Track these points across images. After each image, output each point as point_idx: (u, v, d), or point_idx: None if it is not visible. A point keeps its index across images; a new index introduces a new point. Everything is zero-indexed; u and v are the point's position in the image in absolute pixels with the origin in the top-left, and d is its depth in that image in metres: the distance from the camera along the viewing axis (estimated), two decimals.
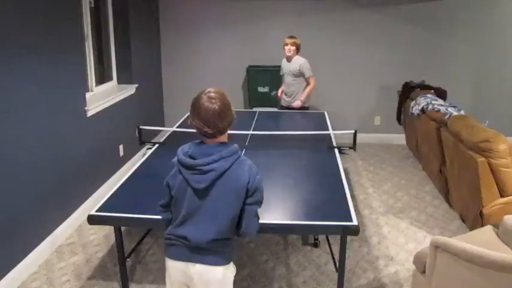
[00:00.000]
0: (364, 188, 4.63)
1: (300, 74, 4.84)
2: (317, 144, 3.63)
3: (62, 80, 3.59)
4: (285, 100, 5.05)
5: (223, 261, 1.89)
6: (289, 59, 4.91)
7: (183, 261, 1.88)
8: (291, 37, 4.82)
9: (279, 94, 5.20)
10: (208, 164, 1.76)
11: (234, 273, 1.98)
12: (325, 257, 3.34)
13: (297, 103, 4.88)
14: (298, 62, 4.80)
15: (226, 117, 1.81)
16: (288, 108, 5.00)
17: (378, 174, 5.04)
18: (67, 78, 3.67)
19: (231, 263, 1.95)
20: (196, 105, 1.79)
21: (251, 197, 1.82)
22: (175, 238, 1.88)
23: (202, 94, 1.80)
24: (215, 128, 1.78)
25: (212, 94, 1.79)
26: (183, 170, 1.81)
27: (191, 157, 1.80)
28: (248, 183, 1.79)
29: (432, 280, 2.34)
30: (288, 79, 4.97)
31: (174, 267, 1.92)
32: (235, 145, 1.85)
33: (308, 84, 4.86)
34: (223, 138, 1.86)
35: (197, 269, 1.87)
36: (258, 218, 1.91)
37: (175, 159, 1.86)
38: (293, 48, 4.78)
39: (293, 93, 4.92)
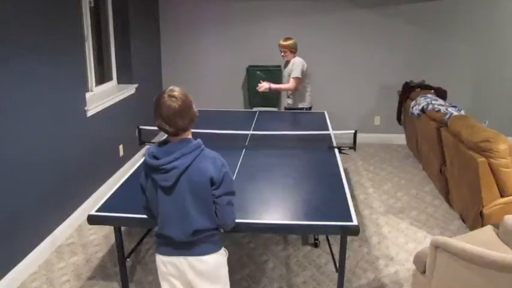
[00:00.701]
0: (364, 188, 4.63)
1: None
2: (317, 144, 3.62)
3: (62, 80, 3.59)
4: (287, 103, 4.98)
5: (212, 249, 1.95)
6: (286, 62, 4.87)
7: (174, 256, 1.94)
8: (285, 39, 4.71)
9: (260, 87, 4.88)
10: (170, 162, 1.81)
11: (227, 256, 2.05)
12: (325, 257, 3.34)
13: (264, 86, 4.72)
14: (293, 62, 4.73)
15: (187, 116, 1.84)
16: (290, 110, 4.93)
17: (377, 174, 5.04)
18: (67, 78, 3.67)
19: (222, 248, 2.01)
20: (157, 104, 1.82)
21: (218, 188, 1.87)
22: (162, 237, 1.94)
23: (164, 93, 1.83)
24: (175, 127, 1.82)
25: (173, 93, 1.82)
26: (149, 171, 1.87)
27: (155, 157, 1.84)
28: (213, 176, 1.83)
29: (432, 280, 2.34)
30: (285, 80, 4.90)
31: (167, 263, 1.97)
32: (198, 140, 1.88)
33: (288, 83, 4.68)
34: (186, 135, 1.89)
35: (188, 262, 1.93)
36: (232, 207, 1.95)
37: (143, 162, 1.93)
38: (284, 50, 4.71)
39: (294, 95, 4.84)
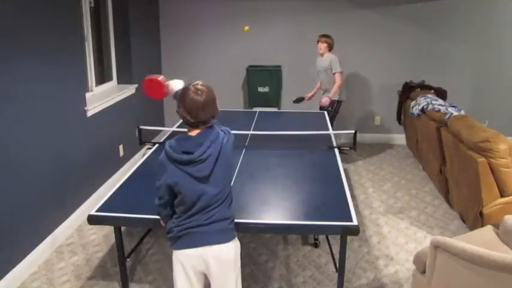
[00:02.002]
0: (364, 188, 4.63)
1: (331, 69, 4.99)
2: (317, 144, 3.62)
3: (62, 80, 3.59)
4: (323, 96, 5.19)
5: (232, 236, 2.06)
6: (321, 56, 5.08)
7: (199, 247, 1.98)
8: (323, 35, 5.02)
9: (306, 97, 5.38)
10: (204, 152, 1.90)
11: (240, 248, 2.12)
12: (325, 257, 3.34)
13: (325, 100, 5.01)
14: (329, 57, 4.99)
15: (210, 110, 1.93)
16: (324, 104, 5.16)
17: (377, 174, 5.04)
18: (67, 78, 3.67)
19: (236, 238, 2.10)
20: (183, 95, 1.92)
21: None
22: (188, 228, 1.98)
23: (190, 85, 1.93)
24: (197, 118, 1.91)
25: (199, 87, 1.92)
26: (180, 167, 1.92)
27: (186, 152, 1.90)
28: (229, 140, 2.02)
29: (432, 280, 2.34)
30: (321, 76, 5.14)
31: (189, 256, 2.01)
32: (214, 125, 2.00)
33: (335, 81, 5.04)
34: (207, 125, 1.98)
35: (214, 250, 1.99)
36: None
37: (164, 158, 1.95)
38: (324, 45, 4.99)
39: (328, 90, 5.08)
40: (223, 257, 2.02)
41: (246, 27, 4.01)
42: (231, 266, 2.05)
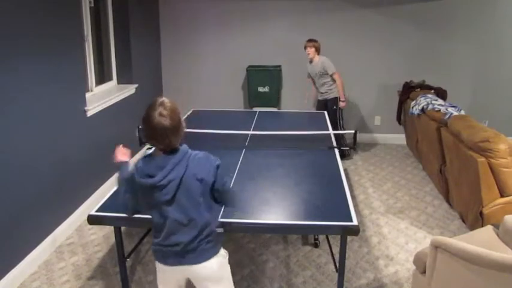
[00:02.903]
0: (364, 188, 4.63)
1: (325, 73, 5.09)
2: (317, 144, 3.62)
3: (62, 80, 3.59)
4: (321, 95, 5.31)
5: (214, 252, 1.95)
6: (311, 61, 5.19)
7: (179, 265, 1.92)
8: (310, 40, 5.13)
9: (305, 100, 5.58)
10: (165, 177, 1.78)
11: (227, 255, 2.05)
12: (325, 257, 3.34)
13: (342, 104, 5.20)
14: (320, 61, 5.10)
15: (178, 133, 1.81)
16: (325, 100, 5.26)
17: (377, 174, 5.04)
18: (67, 78, 3.67)
19: (222, 250, 2.02)
20: (147, 121, 1.77)
21: (217, 181, 1.89)
22: (164, 246, 1.90)
23: (154, 109, 1.76)
24: (166, 144, 1.79)
25: (164, 111, 1.75)
26: (146, 190, 1.82)
27: (149, 175, 1.80)
28: (209, 173, 1.85)
29: (432, 280, 2.34)
30: (317, 81, 5.24)
31: (170, 271, 1.96)
32: (184, 146, 1.86)
33: (334, 81, 5.14)
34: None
35: (194, 270, 1.92)
36: (231, 187, 2.07)
37: (133, 176, 1.85)
38: (312, 50, 5.11)
39: (326, 90, 5.20)
40: (204, 275, 1.95)
41: None
42: (215, 279, 1.98)
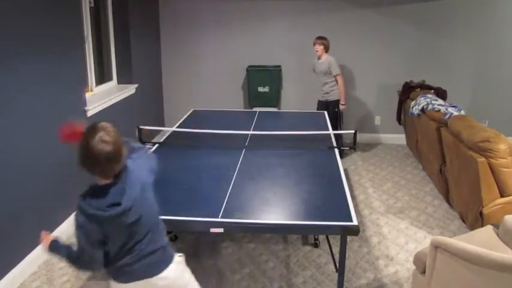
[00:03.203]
0: (364, 188, 4.63)
1: (330, 72, 5.09)
2: (317, 144, 3.62)
3: (62, 80, 3.59)
4: (323, 96, 5.29)
5: (169, 260, 1.91)
6: (319, 58, 5.17)
7: (142, 279, 1.85)
8: (319, 37, 5.10)
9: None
10: (130, 198, 1.71)
11: (182, 255, 2.01)
12: (325, 257, 3.34)
13: (342, 107, 5.20)
14: (327, 60, 5.09)
15: (121, 159, 1.68)
16: (326, 102, 5.25)
17: (377, 174, 5.04)
18: (67, 78, 3.67)
19: (176, 255, 1.98)
20: (85, 148, 1.62)
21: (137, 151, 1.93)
22: (127, 266, 1.82)
23: (93, 135, 1.61)
24: (111, 172, 1.69)
25: (105, 137, 1.61)
26: (110, 222, 1.70)
27: (113, 205, 1.68)
28: (146, 168, 1.86)
29: (432, 280, 2.34)
30: (321, 78, 5.23)
31: (133, 286, 1.88)
32: (125, 160, 1.75)
33: (337, 82, 5.14)
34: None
35: (157, 279, 1.87)
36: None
37: (85, 221, 1.68)
38: (320, 47, 5.09)
39: (328, 90, 5.20)
40: (164, 284, 1.88)
41: None
42: (177, 285, 1.93)
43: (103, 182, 1.71)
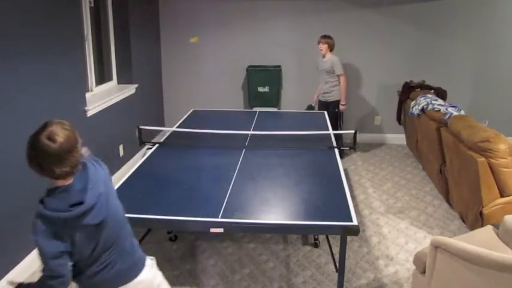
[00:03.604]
0: (364, 188, 4.63)
1: (333, 71, 5.08)
2: (317, 144, 3.63)
3: (62, 80, 3.59)
4: (323, 96, 5.29)
5: (144, 260, 1.89)
6: (323, 57, 5.16)
7: (122, 285, 1.82)
8: (324, 36, 5.09)
9: (314, 102, 5.50)
10: (93, 195, 1.63)
11: (153, 258, 1.98)
12: (325, 257, 3.34)
13: (342, 108, 5.19)
14: (331, 59, 5.07)
15: (68, 161, 1.56)
16: (326, 102, 5.24)
17: (377, 174, 5.04)
18: (67, 78, 3.67)
19: (148, 258, 1.95)
20: (33, 145, 1.52)
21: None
22: (100, 275, 1.75)
23: (40, 135, 1.52)
24: (73, 164, 1.57)
25: (55, 130, 1.53)
26: (75, 223, 1.60)
27: (75, 205, 1.59)
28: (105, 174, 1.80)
29: (432, 280, 2.34)
30: (323, 76, 5.21)
31: None
32: (84, 158, 1.68)
33: (339, 82, 5.13)
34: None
35: (134, 284, 1.83)
36: None
37: (44, 227, 1.61)
38: (325, 46, 5.07)
39: (329, 90, 5.19)
40: (148, 284, 1.87)
41: (194, 39, 3.99)
42: (153, 284, 1.90)
43: (61, 183, 1.62)
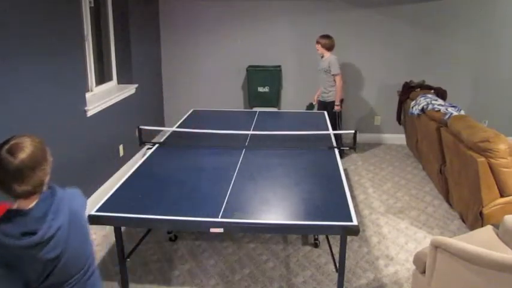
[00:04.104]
0: (364, 188, 4.63)
1: (329, 71, 5.08)
2: (317, 144, 3.63)
3: (62, 80, 3.59)
4: (322, 96, 5.30)
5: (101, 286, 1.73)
6: (322, 57, 5.19)
7: None
8: (320, 36, 5.12)
9: (314, 101, 5.48)
10: (51, 227, 1.43)
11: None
12: (325, 257, 3.34)
13: (336, 108, 5.16)
14: (328, 59, 5.08)
15: (38, 174, 1.43)
16: (324, 102, 5.24)
17: (377, 174, 5.04)
18: (67, 78, 3.67)
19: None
20: None
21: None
22: None
23: (1, 149, 1.41)
24: (35, 184, 1.42)
25: (16, 150, 1.40)
26: (24, 254, 1.40)
27: (27, 234, 1.39)
28: (84, 207, 1.63)
29: (432, 280, 2.34)
30: (321, 76, 5.21)
31: None
32: (52, 186, 1.54)
33: (335, 82, 5.14)
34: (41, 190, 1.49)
35: None
36: None
37: None
38: (318, 46, 5.11)
39: (327, 90, 5.19)
40: None
41: None
42: None
43: (22, 205, 1.44)
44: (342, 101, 5.19)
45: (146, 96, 5.60)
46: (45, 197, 1.47)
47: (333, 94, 5.15)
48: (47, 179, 1.48)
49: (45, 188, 1.48)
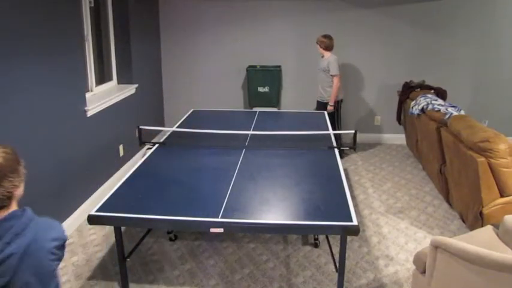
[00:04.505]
0: (364, 188, 4.63)
1: (328, 71, 5.08)
2: (317, 144, 3.63)
3: (62, 80, 3.59)
4: (320, 96, 5.29)
5: None
6: (322, 56, 5.19)
7: None
8: (321, 36, 5.11)
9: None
10: (2, 251, 1.29)
11: None
12: (325, 257, 3.34)
13: (329, 108, 5.14)
14: (328, 59, 5.08)
15: (13, 180, 1.35)
16: (323, 102, 5.24)
17: (377, 174, 5.04)
18: (67, 79, 3.67)
19: None
20: None
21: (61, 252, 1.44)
22: None
23: None
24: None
25: None
26: None
27: None
28: (57, 244, 1.40)
29: (432, 280, 2.34)
30: (320, 75, 5.22)
31: None
32: (27, 211, 1.39)
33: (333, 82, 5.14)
34: (7, 209, 1.37)
35: None
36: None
37: None
38: (317, 46, 5.12)
39: (325, 90, 5.17)
40: None
41: None
42: None
43: None
44: (341, 101, 5.19)
45: (146, 96, 5.60)
46: (11, 217, 1.34)
47: (330, 95, 5.14)
48: (16, 192, 1.37)
49: (14, 204, 1.38)
